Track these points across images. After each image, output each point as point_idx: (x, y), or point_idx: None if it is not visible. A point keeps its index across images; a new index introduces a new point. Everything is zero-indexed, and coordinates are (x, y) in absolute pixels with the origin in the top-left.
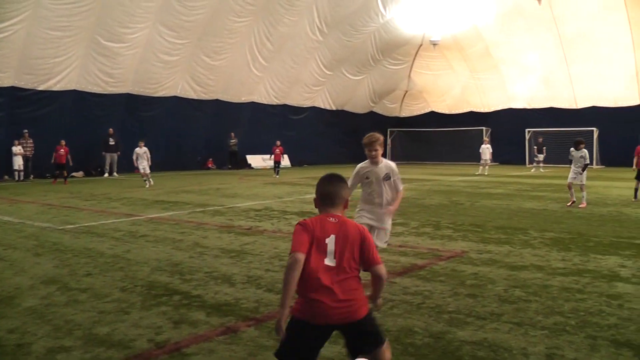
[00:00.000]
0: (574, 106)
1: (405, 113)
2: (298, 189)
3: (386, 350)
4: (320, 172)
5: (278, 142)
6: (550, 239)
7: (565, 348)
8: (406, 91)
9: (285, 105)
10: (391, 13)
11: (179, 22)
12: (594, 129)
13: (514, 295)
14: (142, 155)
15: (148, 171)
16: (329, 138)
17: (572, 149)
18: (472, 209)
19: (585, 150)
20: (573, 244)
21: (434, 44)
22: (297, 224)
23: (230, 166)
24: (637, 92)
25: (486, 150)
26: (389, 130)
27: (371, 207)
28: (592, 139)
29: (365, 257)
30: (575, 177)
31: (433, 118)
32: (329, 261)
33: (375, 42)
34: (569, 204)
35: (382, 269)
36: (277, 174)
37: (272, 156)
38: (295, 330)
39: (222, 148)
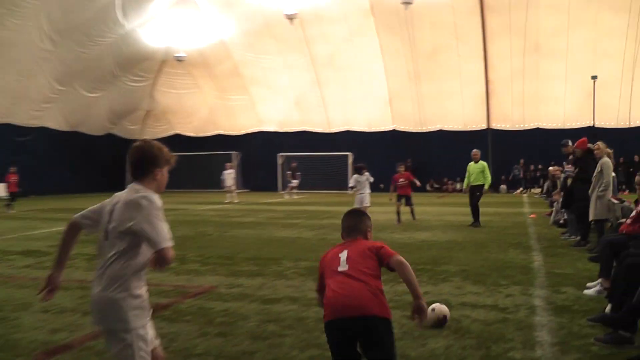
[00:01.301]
0: (327, 130)
1: (147, 135)
2: (22, 224)
3: None
4: (48, 203)
5: (12, 169)
6: (305, 269)
7: None
8: (148, 111)
9: (7, 125)
10: (132, 23)
11: None
12: (349, 153)
13: (267, 331)
14: None
15: None
16: (59, 163)
17: (355, 175)
18: (221, 239)
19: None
20: None
21: (179, 60)
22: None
23: None
24: (390, 117)
25: (228, 176)
26: (128, 155)
27: None
28: (347, 164)
29: (379, 257)
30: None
31: (178, 141)
32: (341, 268)
33: (114, 55)
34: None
35: (398, 257)
36: (11, 207)
37: (7, 185)
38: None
39: None
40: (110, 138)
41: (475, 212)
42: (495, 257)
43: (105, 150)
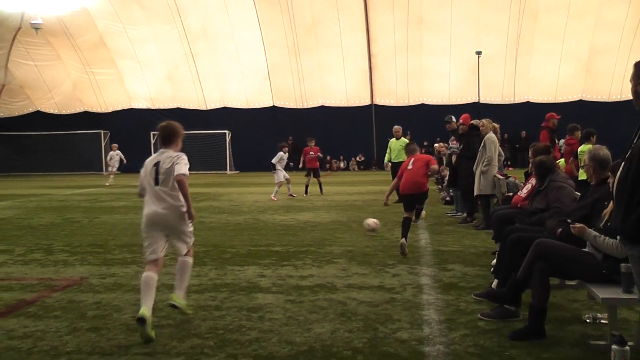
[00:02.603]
0: (203, 107)
1: (2, 113)
2: None
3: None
4: None
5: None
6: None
7: None
8: (3, 85)
9: None
10: None
11: None
12: (226, 131)
13: None
14: None
15: None
16: None
17: (280, 152)
18: (91, 226)
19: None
20: (208, 257)
21: (36, 28)
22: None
23: None
24: (269, 94)
25: (115, 157)
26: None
27: None
28: (225, 143)
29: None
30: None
31: (39, 119)
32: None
33: None
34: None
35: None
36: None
37: None
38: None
39: None
40: None
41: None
42: (380, 237)
43: None
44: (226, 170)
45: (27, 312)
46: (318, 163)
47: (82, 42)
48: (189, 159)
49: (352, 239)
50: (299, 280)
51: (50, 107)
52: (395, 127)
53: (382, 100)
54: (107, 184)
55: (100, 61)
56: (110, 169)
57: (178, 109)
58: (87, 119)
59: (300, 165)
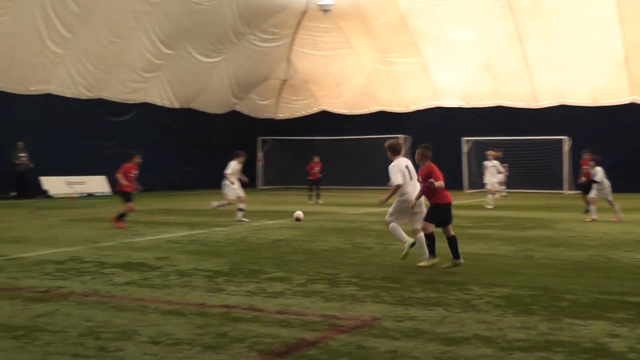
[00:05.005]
0: (532, 104)
1: (283, 114)
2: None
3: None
4: (153, 202)
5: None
6: (503, 298)
7: None
8: (285, 81)
9: (100, 101)
10: None
11: None
12: (564, 137)
13: None
14: None
15: None
16: (167, 151)
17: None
18: (386, 255)
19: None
20: (537, 305)
21: (325, 11)
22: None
23: (14, 194)
24: (626, 85)
25: (491, 169)
26: (259, 139)
27: None
28: (561, 152)
29: None
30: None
31: (324, 121)
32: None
33: (237, 6)
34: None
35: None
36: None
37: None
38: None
39: (1, 166)
40: (233, 117)
41: None
42: None
43: (227, 133)
44: (562, 188)
45: (308, 355)
46: None
47: (378, 25)
48: (509, 172)
49: None
50: None
51: (338, 105)
52: None
53: None
54: (487, 206)
55: (400, 48)
56: (491, 184)
57: (498, 107)
58: (383, 119)
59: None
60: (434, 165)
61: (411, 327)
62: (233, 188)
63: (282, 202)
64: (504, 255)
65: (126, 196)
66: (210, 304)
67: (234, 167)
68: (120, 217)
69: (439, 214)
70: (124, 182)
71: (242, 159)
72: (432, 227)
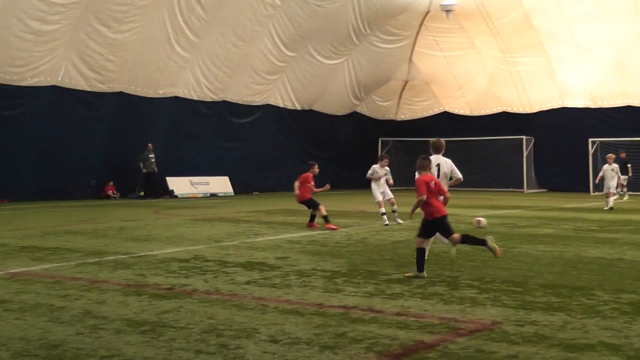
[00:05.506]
0: None
1: (404, 115)
2: (245, 227)
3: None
4: (275, 202)
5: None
6: (630, 304)
7: None
8: (406, 82)
9: (225, 103)
10: None
11: None
12: None
13: None
14: None
15: None
16: (290, 151)
17: None
18: (508, 258)
19: None
20: None
21: (448, 11)
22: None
23: (142, 194)
24: None
25: (610, 172)
26: (380, 140)
27: None
28: None
29: None
30: None
31: (446, 122)
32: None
33: (359, 7)
34: None
35: None
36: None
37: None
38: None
39: (130, 166)
40: (355, 118)
41: None
42: None
43: (348, 134)
44: None
45: (426, 358)
46: None
47: (503, 24)
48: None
49: None
50: None
51: (461, 106)
52: None
53: None
54: (605, 207)
55: (525, 47)
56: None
57: (628, 107)
58: (507, 121)
59: None
60: (422, 178)
61: (532, 332)
62: (375, 190)
63: (403, 204)
64: (632, 260)
65: (308, 204)
66: (328, 304)
67: (374, 169)
68: (325, 219)
69: (426, 229)
70: (297, 191)
71: (385, 162)
72: (425, 243)
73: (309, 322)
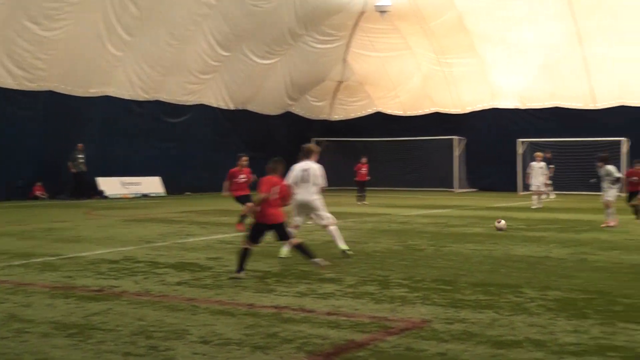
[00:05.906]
0: (591, 106)
1: (338, 115)
2: (177, 228)
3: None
4: (212, 203)
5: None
6: (555, 301)
7: None
8: (340, 82)
9: (158, 102)
10: None
11: None
12: (623, 139)
13: None
14: None
15: None
16: (223, 152)
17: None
18: (438, 257)
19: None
20: (590, 308)
21: (382, 12)
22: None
23: (71, 194)
24: None
25: (538, 170)
26: (313, 140)
27: None
28: (620, 154)
29: None
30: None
31: (379, 122)
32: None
33: (294, 7)
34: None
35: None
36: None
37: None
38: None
39: (59, 166)
40: (289, 118)
41: None
42: None
43: (282, 134)
44: (621, 191)
45: (357, 357)
46: None
47: (437, 25)
48: (566, 174)
49: None
50: None
51: (394, 107)
52: None
53: None
54: (532, 206)
55: (458, 49)
56: (537, 187)
57: (556, 108)
58: (439, 121)
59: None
60: (268, 178)
61: (461, 330)
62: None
63: (335, 204)
64: (558, 258)
65: (241, 199)
66: (260, 304)
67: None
68: (240, 217)
69: (257, 233)
70: (227, 189)
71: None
72: (251, 245)
73: (240, 323)
